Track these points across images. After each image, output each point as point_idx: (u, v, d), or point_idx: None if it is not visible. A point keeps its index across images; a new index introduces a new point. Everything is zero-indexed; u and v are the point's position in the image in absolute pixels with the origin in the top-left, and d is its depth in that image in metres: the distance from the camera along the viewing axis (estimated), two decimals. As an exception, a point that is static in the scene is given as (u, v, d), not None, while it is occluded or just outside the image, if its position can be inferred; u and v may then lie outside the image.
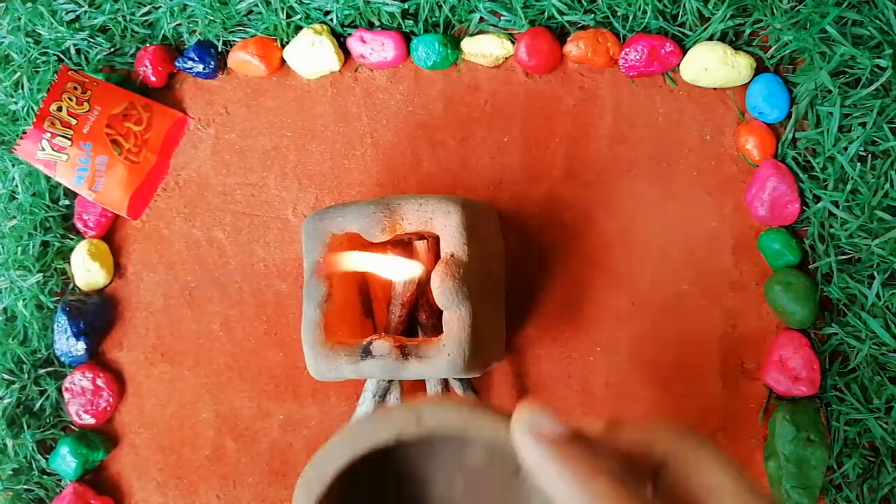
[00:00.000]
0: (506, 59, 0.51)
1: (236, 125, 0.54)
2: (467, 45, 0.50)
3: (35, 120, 0.49)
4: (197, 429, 0.50)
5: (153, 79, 0.53)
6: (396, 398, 0.44)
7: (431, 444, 0.24)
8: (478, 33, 0.51)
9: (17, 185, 0.53)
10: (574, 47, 0.49)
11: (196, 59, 0.53)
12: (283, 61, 0.53)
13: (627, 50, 0.49)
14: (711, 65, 0.48)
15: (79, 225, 0.53)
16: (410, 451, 0.25)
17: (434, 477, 0.26)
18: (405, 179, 0.51)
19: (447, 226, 0.40)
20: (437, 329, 0.41)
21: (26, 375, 0.51)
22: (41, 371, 0.51)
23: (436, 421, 0.22)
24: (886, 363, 0.44)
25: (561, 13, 0.50)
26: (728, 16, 0.48)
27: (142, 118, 0.52)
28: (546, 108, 0.51)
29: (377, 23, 0.52)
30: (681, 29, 0.49)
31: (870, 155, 0.46)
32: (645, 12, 0.49)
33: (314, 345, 0.40)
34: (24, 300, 0.51)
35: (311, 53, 0.51)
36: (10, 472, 0.50)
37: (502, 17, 0.51)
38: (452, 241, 0.40)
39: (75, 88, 0.50)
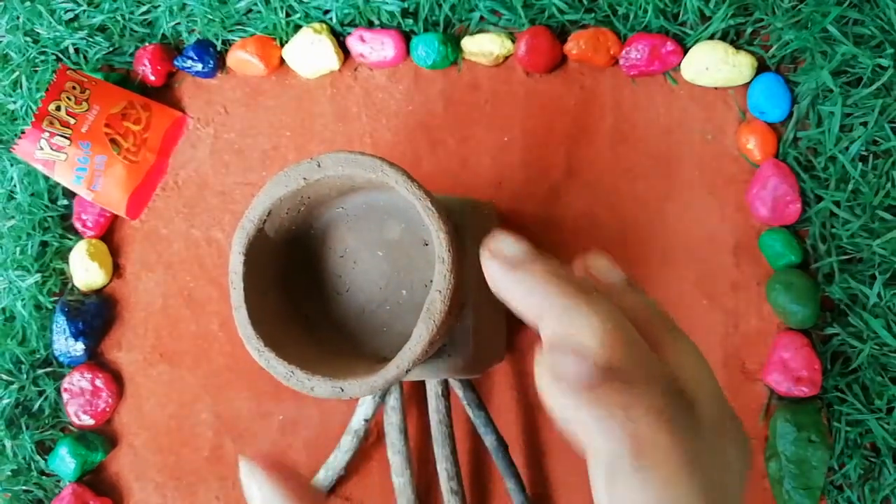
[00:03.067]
0: (506, 58, 0.51)
1: (235, 124, 0.53)
2: (467, 44, 0.50)
3: (34, 119, 0.48)
4: (196, 429, 0.50)
5: (152, 78, 0.53)
6: (396, 398, 0.44)
7: (357, 222, 0.31)
8: (478, 32, 0.51)
9: (15, 185, 0.53)
10: (575, 46, 0.49)
11: (195, 58, 0.52)
12: (282, 60, 0.53)
13: (628, 49, 0.49)
14: (712, 64, 0.47)
15: (77, 225, 0.53)
16: (341, 228, 0.32)
17: (360, 250, 0.32)
18: (405, 179, 0.51)
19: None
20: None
21: (25, 376, 0.50)
22: (40, 371, 0.51)
23: (331, 162, 0.27)
24: (888, 364, 0.44)
25: (561, 12, 0.50)
26: (729, 15, 0.48)
27: (140, 117, 0.52)
28: (546, 108, 0.51)
29: (377, 22, 0.52)
30: (682, 28, 0.49)
31: (871, 155, 0.46)
32: (646, 11, 0.49)
33: None
34: (22, 300, 0.51)
35: (311, 52, 0.51)
36: (9, 473, 0.49)
37: (502, 16, 0.51)
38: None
39: (74, 88, 0.50)
